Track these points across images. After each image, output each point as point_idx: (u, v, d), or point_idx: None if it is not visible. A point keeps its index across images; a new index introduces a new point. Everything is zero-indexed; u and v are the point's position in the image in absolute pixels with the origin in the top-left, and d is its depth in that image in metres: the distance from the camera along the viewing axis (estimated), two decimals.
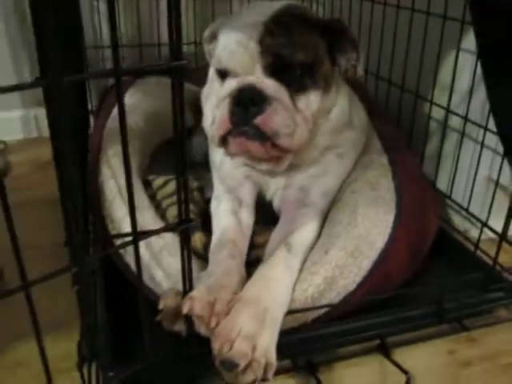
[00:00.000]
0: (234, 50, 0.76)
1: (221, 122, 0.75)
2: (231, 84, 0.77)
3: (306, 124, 0.78)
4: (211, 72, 0.89)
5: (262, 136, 0.74)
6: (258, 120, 0.73)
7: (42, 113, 1.64)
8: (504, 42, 0.83)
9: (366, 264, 0.78)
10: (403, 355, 0.79)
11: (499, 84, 0.89)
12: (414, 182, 0.94)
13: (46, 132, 1.74)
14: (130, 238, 0.55)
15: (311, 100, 0.79)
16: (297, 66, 0.76)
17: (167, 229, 0.60)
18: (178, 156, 0.55)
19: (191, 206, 0.71)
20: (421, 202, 0.90)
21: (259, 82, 0.75)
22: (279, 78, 0.76)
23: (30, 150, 1.52)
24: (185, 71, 0.51)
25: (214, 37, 0.86)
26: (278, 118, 0.74)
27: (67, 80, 0.44)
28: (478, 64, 0.90)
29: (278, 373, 0.75)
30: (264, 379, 0.61)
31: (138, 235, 0.55)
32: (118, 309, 0.71)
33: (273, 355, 0.62)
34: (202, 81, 1.40)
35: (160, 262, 0.73)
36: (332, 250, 0.77)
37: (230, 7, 1.67)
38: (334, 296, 0.75)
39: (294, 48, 0.75)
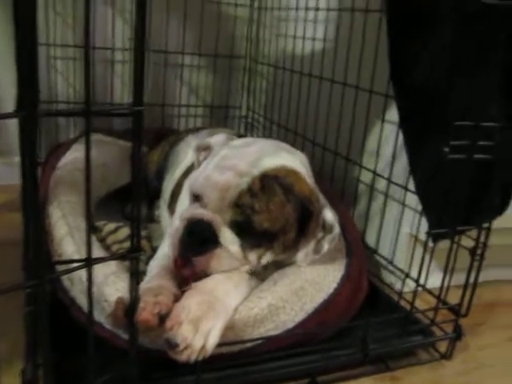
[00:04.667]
0: (213, 188, 0.80)
1: (173, 243, 0.82)
2: (197, 212, 0.82)
3: (246, 269, 0.83)
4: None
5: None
6: (197, 260, 0.80)
7: None
8: (419, 114, 0.97)
9: (308, 308, 0.86)
10: None
11: (416, 151, 1.03)
12: (358, 245, 1.04)
13: None
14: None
15: (262, 256, 0.84)
16: (259, 230, 0.80)
17: (119, 256, 0.66)
18: (134, 190, 0.61)
19: None
20: (361, 265, 0.99)
21: (218, 225, 0.80)
22: (238, 230, 0.81)
23: None
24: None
25: (207, 148, 0.93)
26: (214, 264, 0.80)
27: (41, 112, 0.51)
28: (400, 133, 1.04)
29: None
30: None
31: (91, 260, 0.60)
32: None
33: (212, 340, 0.71)
34: (148, 142, 1.49)
35: (107, 286, 0.78)
36: (279, 282, 0.85)
37: (181, 74, 1.80)
38: (272, 328, 0.81)
39: (265, 217, 0.79)
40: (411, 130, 1.02)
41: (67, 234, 0.88)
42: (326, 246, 0.86)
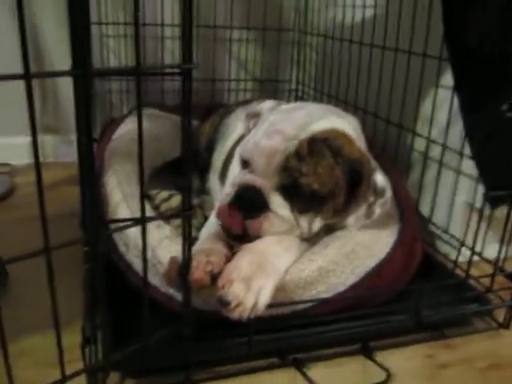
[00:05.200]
0: (261, 153, 0.81)
1: (222, 208, 0.82)
2: (246, 177, 0.82)
3: (297, 234, 0.83)
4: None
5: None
6: (248, 223, 0.79)
7: (47, 139, 1.74)
8: (475, 74, 0.93)
9: (360, 272, 0.85)
10: (384, 358, 0.85)
11: (473, 114, 0.99)
12: (411, 212, 1.03)
13: (51, 158, 1.81)
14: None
15: (312, 222, 0.83)
16: (308, 194, 0.80)
17: (172, 216, 0.67)
18: (184, 149, 0.62)
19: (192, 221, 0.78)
20: (414, 232, 0.98)
21: (267, 190, 0.80)
22: (288, 194, 0.81)
23: (34, 174, 1.59)
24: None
25: (257, 115, 0.93)
26: (264, 227, 0.80)
27: (94, 71, 0.53)
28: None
29: (266, 368, 0.81)
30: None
31: (145, 218, 0.62)
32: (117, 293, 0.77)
33: (263, 299, 0.72)
34: (199, 116, 1.51)
35: (160, 249, 0.81)
36: (330, 245, 0.85)
37: (230, 49, 1.80)
38: (323, 290, 0.81)
39: (313, 179, 0.79)
40: (467, 93, 0.98)
41: (122, 201, 0.91)
42: (377, 211, 0.85)
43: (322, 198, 0.81)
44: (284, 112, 0.87)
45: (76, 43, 0.52)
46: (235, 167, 1.00)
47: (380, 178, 0.85)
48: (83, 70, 0.51)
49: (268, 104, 0.95)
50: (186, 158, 0.61)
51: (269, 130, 0.83)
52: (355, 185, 0.84)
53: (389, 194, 0.85)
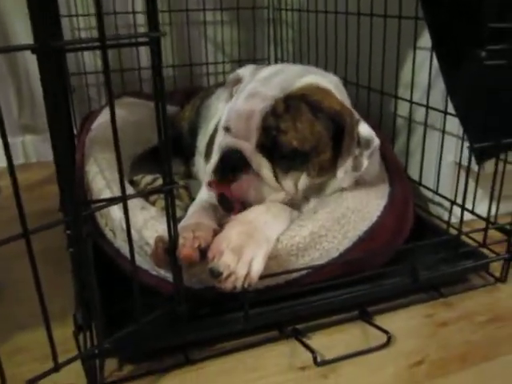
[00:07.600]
0: (239, 116, 0.81)
1: (209, 172, 0.83)
2: (227, 141, 0.82)
3: (283, 196, 0.83)
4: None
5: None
6: (232, 186, 0.80)
7: (27, 140, 1.71)
8: (452, 30, 0.92)
9: (352, 236, 0.84)
10: (383, 321, 0.84)
11: (453, 69, 0.98)
12: (400, 175, 1.02)
13: (32, 158, 1.78)
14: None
15: (297, 181, 0.83)
16: (289, 151, 0.80)
17: (153, 191, 0.66)
18: (159, 119, 0.60)
19: (177, 201, 0.76)
20: (406, 194, 0.97)
21: (248, 151, 0.80)
22: (269, 154, 0.80)
23: (17, 175, 1.57)
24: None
25: (238, 80, 0.93)
26: (249, 189, 0.80)
27: (54, 45, 0.50)
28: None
29: (265, 342, 0.80)
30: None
31: (125, 196, 0.60)
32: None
33: (256, 267, 0.71)
34: (179, 102, 1.49)
35: (146, 230, 0.79)
36: (320, 211, 0.83)
37: (205, 32, 1.77)
38: (317, 257, 0.80)
39: (292, 136, 0.79)
40: (446, 49, 0.97)
41: (105, 187, 0.90)
42: (365, 162, 0.83)
43: (304, 154, 0.80)
44: (264, 77, 0.86)
45: (35, 16, 0.50)
46: (219, 138, 0.98)
47: (364, 129, 0.83)
48: (42, 44, 0.49)
49: (248, 69, 0.94)
50: (161, 128, 0.60)
51: (247, 95, 0.83)
52: (339, 139, 0.82)
53: (375, 143, 0.83)
